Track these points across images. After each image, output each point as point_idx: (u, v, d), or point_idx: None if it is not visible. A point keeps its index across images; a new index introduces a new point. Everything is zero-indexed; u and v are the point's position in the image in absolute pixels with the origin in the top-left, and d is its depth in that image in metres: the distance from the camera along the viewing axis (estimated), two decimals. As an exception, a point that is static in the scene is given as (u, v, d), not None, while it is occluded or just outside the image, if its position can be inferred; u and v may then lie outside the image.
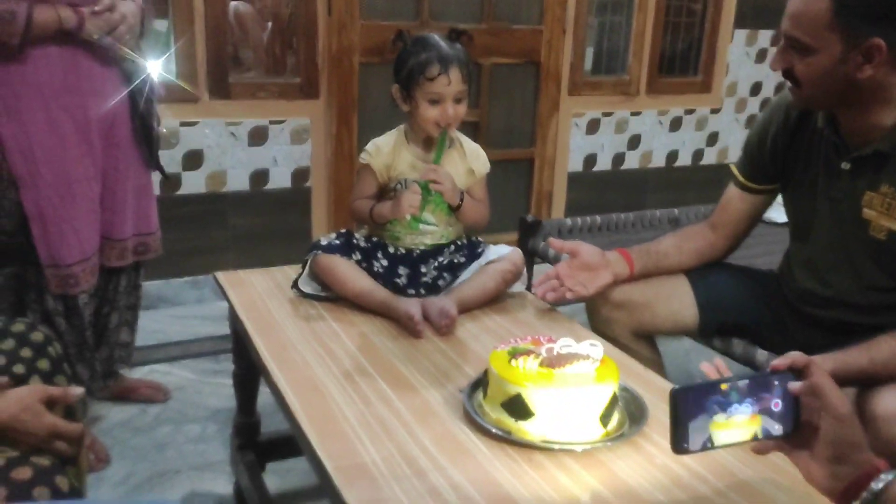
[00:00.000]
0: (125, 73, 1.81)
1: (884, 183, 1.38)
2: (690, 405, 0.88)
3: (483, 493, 0.99)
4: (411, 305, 1.46)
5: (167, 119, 2.65)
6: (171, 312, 2.77)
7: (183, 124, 2.69)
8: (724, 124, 3.79)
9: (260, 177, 2.87)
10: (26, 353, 1.19)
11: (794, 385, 0.90)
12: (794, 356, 0.91)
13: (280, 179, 2.90)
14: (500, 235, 3.17)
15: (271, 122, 2.82)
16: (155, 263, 2.43)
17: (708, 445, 0.90)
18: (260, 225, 2.91)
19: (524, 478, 1.02)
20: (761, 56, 3.77)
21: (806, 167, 1.52)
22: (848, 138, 1.43)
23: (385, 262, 1.58)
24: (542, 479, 1.02)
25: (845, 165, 1.43)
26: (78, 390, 1.12)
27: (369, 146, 1.63)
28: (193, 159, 2.74)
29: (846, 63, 1.29)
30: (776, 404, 0.91)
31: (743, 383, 0.90)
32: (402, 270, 1.58)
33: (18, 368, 1.16)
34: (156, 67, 1.91)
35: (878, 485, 0.85)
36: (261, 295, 1.61)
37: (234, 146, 2.79)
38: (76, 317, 1.85)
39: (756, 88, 3.81)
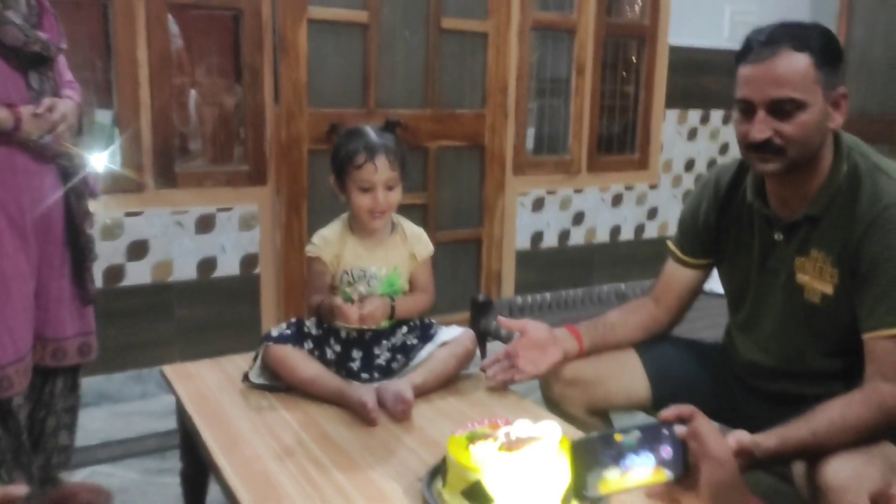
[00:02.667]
0: (62, 170, 1.79)
1: (813, 247, 1.43)
2: (590, 455, 0.97)
3: (447, 587, 0.95)
4: (365, 392, 1.44)
5: (111, 210, 2.63)
6: (114, 409, 2.66)
7: (128, 214, 2.66)
8: (663, 199, 3.93)
9: (207, 265, 2.83)
10: None
11: (679, 430, 0.99)
12: (681, 408, 0.99)
13: (228, 267, 2.86)
14: (451, 316, 3.17)
15: (219, 210, 2.81)
16: (98, 358, 2.35)
17: (607, 491, 0.98)
18: (208, 315, 2.85)
19: (488, 569, 0.99)
20: (692, 134, 3.95)
21: (738, 240, 1.57)
22: (777, 209, 1.48)
23: (338, 348, 1.57)
24: (507, 568, 1.00)
25: (778, 236, 1.48)
26: (21, 489, 1.05)
27: (315, 238, 1.63)
28: (138, 250, 2.70)
29: (824, 115, 1.35)
30: (667, 451, 1.00)
31: (636, 434, 0.99)
32: (355, 354, 1.56)
33: None
34: (95, 163, 1.90)
35: None
36: (210, 388, 1.57)
37: (180, 235, 2.76)
38: (10, 421, 1.76)
39: (690, 164, 3.98)
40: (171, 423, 1.69)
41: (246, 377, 1.56)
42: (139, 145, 2.63)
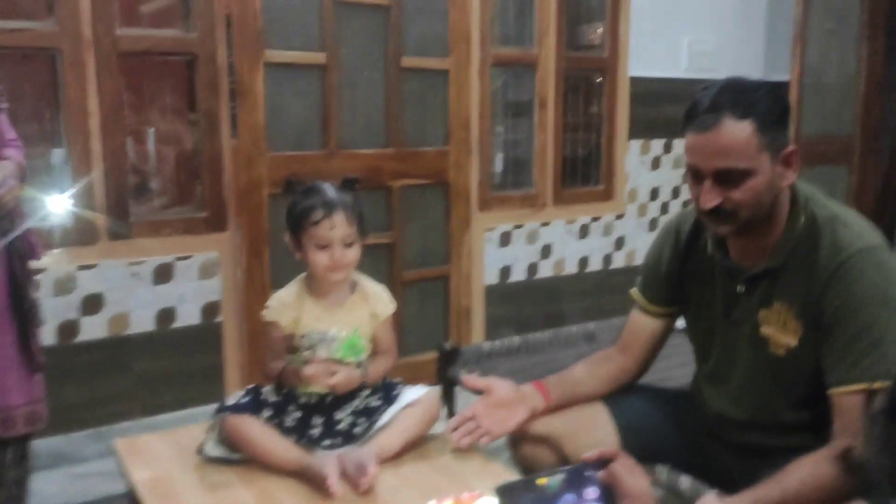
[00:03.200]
0: (3, 232, 1.71)
1: (776, 299, 1.41)
2: (515, 500, 1.00)
3: None
4: (326, 464, 1.38)
5: (63, 265, 2.54)
6: (72, 471, 2.55)
7: (81, 268, 2.58)
8: (629, 229, 3.93)
9: (166, 315, 2.75)
10: None
11: (601, 474, 1.05)
12: (604, 450, 1.07)
13: (189, 317, 2.79)
14: (419, 355, 3.13)
15: (177, 259, 2.74)
16: (54, 418, 2.26)
17: None
18: (168, 366, 2.76)
19: None
20: (656, 163, 3.96)
21: (701, 290, 1.55)
22: (738, 260, 1.46)
23: (298, 414, 1.52)
24: None
25: (740, 288, 1.46)
26: None
27: (272, 301, 1.58)
28: (92, 303, 2.61)
29: (774, 176, 1.34)
30: (591, 493, 1.05)
31: (560, 477, 1.04)
32: (315, 420, 1.51)
33: None
34: (39, 221, 1.83)
35: None
36: (163, 464, 1.50)
37: (136, 286, 2.68)
38: None
39: (654, 193, 3.99)
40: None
41: (200, 450, 1.49)
42: (91, 196, 2.55)
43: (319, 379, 1.45)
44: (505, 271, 3.55)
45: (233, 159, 2.77)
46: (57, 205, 2.46)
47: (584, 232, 3.77)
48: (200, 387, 2.82)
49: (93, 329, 2.62)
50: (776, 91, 1.36)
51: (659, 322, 1.65)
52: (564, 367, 1.72)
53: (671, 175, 4.02)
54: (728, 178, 1.32)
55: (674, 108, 3.86)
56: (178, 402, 2.78)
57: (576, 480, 1.03)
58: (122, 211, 2.61)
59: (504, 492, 0.99)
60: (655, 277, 1.62)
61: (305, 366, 1.48)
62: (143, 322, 2.70)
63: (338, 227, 1.52)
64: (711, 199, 1.34)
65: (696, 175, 1.36)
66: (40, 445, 2.37)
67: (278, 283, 2.89)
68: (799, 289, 1.38)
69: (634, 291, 1.69)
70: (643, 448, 1.63)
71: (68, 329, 2.58)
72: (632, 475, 1.01)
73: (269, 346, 1.59)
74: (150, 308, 2.71)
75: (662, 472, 1.62)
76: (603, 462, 1.03)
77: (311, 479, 1.39)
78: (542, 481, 1.00)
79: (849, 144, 4.57)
